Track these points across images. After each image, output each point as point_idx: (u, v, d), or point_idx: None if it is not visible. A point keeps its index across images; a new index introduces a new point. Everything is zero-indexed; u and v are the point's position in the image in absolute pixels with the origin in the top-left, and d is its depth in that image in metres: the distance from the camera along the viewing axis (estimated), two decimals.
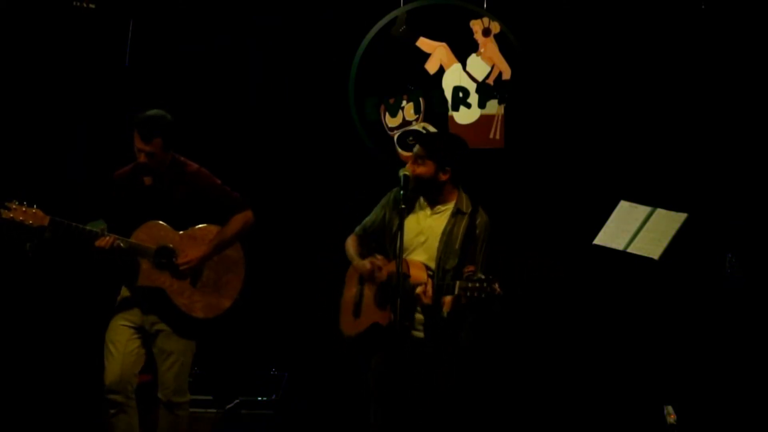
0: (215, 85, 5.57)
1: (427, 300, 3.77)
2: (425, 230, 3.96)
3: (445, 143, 4.07)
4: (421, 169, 3.93)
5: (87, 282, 5.19)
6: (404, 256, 3.87)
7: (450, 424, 3.91)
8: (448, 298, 3.79)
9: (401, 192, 3.82)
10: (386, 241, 4.06)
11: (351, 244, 4.15)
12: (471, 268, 3.81)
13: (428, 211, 4.01)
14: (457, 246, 3.92)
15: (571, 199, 5.33)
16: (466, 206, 3.99)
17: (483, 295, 3.62)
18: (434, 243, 3.93)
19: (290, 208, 5.53)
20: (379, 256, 4.00)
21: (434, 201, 4.01)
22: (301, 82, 5.59)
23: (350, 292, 4.11)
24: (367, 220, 4.17)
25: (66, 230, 4.04)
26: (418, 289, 3.78)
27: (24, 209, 4.03)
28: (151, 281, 4.14)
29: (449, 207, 3.99)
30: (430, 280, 3.80)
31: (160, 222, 4.18)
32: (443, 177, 3.95)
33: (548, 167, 5.42)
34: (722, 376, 5.00)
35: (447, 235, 3.93)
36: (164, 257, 4.15)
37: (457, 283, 3.71)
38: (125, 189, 4.23)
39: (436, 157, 3.94)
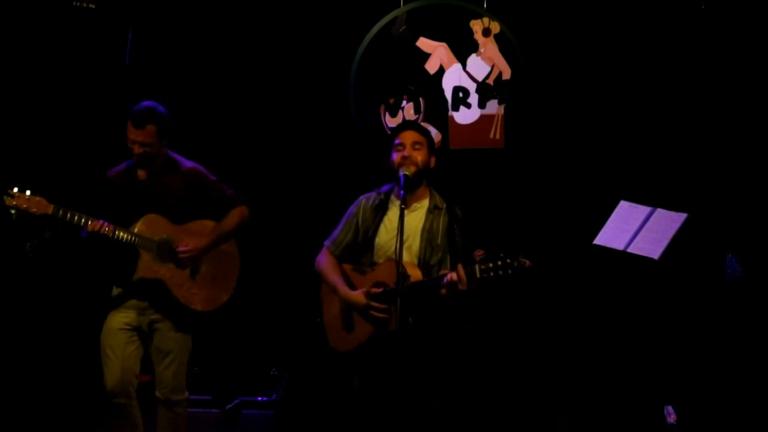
0: (215, 84, 5.57)
1: (462, 286, 3.62)
2: (404, 228, 3.88)
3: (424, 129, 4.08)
4: (422, 156, 3.91)
5: (87, 282, 5.19)
6: (385, 255, 3.88)
7: (448, 421, 3.91)
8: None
9: (401, 192, 3.82)
10: (360, 248, 3.98)
11: (329, 268, 3.99)
12: (480, 252, 3.76)
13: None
14: (439, 241, 3.90)
15: (571, 199, 5.33)
16: (440, 202, 3.99)
17: (509, 272, 3.54)
18: (415, 240, 3.90)
19: (291, 208, 5.53)
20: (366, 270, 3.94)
21: (410, 197, 3.95)
22: (301, 82, 5.58)
23: (333, 308, 3.99)
24: (340, 236, 4.04)
25: (70, 219, 3.98)
26: (454, 277, 3.64)
27: (27, 197, 3.95)
28: (152, 273, 4.13)
29: (424, 204, 3.97)
30: (460, 266, 3.66)
31: (160, 216, 4.18)
32: (432, 164, 3.98)
33: (548, 167, 5.42)
34: (722, 376, 5.00)
35: (428, 232, 3.91)
36: (165, 249, 4.15)
37: (476, 266, 3.62)
38: (120, 187, 4.22)
39: (428, 140, 3.97)
